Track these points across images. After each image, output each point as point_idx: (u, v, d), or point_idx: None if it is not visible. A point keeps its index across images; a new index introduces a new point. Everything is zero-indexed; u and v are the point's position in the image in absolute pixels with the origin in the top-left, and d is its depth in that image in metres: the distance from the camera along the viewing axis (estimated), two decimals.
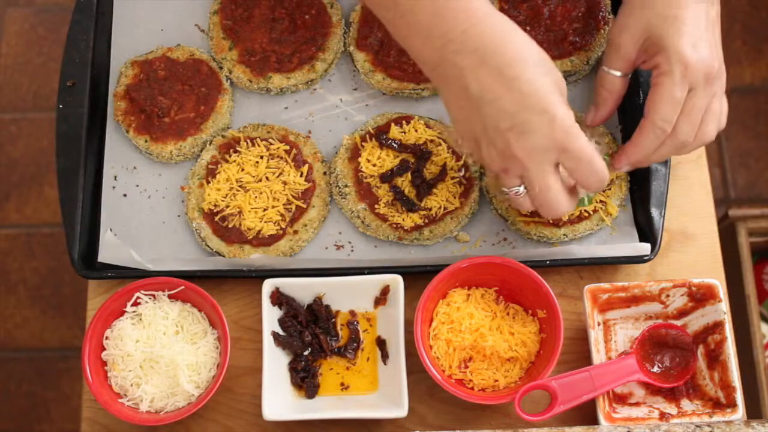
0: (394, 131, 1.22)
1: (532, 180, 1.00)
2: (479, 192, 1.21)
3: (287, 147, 1.22)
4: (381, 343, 1.15)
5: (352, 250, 1.21)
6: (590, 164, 0.99)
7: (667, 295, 1.14)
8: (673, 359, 1.13)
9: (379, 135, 1.22)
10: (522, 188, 1.03)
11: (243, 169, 1.21)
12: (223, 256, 1.19)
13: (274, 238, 1.18)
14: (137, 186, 1.24)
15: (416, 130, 1.22)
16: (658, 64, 1.04)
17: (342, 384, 1.15)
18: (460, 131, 1.04)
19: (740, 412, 1.08)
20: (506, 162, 1.00)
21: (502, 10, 1.27)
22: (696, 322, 1.14)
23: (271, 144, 1.22)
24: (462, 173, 1.20)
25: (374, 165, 1.21)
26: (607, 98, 1.13)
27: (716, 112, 1.06)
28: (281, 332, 1.14)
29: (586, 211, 1.18)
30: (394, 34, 1.02)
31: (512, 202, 1.07)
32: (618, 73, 1.11)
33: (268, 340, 1.13)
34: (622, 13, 1.10)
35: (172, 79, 1.26)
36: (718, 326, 1.12)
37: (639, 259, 1.17)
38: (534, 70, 0.96)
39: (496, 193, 1.16)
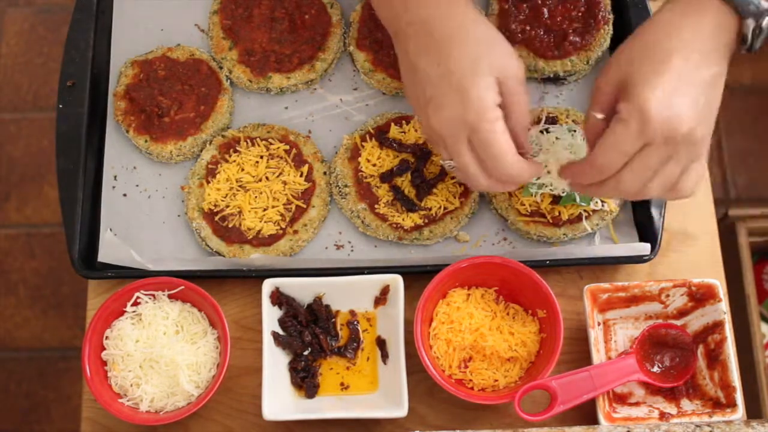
0: (394, 131, 1.22)
1: (452, 155, 1.02)
2: (479, 192, 1.21)
3: (287, 147, 1.22)
4: (381, 343, 1.15)
5: (352, 250, 1.21)
6: (496, 156, 0.98)
7: (667, 295, 1.14)
8: (673, 359, 1.13)
9: (379, 135, 1.22)
10: (451, 162, 1.04)
11: (243, 169, 1.21)
12: (223, 256, 1.19)
13: (274, 238, 1.18)
14: (137, 186, 1.24)
15: (416, 130, 1.22)
16: (619, 110, 0.96)
17: (342, 384, 1.15)
18: (407, 97, 1.07)
19: (740, 412, 1.08)
20: (429, 133, 1.03)
21: (502, 10, 1.27)
22: (696, 321, 1.14)
23: (271, 144, 1.22)
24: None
25: (374, 165, 1.21)
26: (590, 139, 1.02)
27: (669, 176, 0.98)
28: (281, 332, 1.14)
29: (585, 211, 1.18)
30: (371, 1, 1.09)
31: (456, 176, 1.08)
32: (599, 115, 1.01)
33: (268, 340, 1.13)
34: (612, 56, 1.03)
35: (172, 79, 1.26)
36: (718, 326, 1.12)
37: (639, 259, 1.17)
38: (469, 50, 0.98)
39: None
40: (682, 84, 0.94)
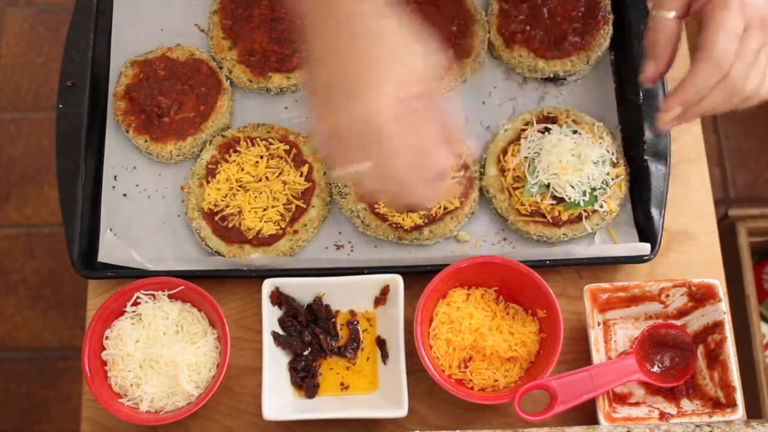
0: None
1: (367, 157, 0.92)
2: (479, 192, 1.21)
3: (287, 147, 1.22)
4: (381, 343, 1.15)
5: (352, 250, 1.21)
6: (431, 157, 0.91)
7: (667, 295, 1.14)
8: (673, 359, 1.13)
9: None
10: (364, 165, 0.93)
11: (243, 169, 1.21)
12: (223, 256, 1.18)
13: (274, 238, 1.18)
14: (137, 186, 1.24)
15: None
16: None
17: (342, 384, 1.15)
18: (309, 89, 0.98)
19: (740, 411, 1.08)
20: (336, 130, 0.93)
21: (502, 10, 1.27)
22: (696, 321, 1.14)
23: (270, 144, 1.22)
24: (462, 173, 1.20)
25: None
26: (666, 45, 1.02)
27: (763, 66, 0.97)
28: (281, 332, 1.14)
29: (585, 211, 1.18)
30: None
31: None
32: (671, 14, 1.01)
33: (268, 340, 1.13)
34: None
35: (172, 79, 1.26)
36: (717, 326, 1.12)
37: (639, 259, 1.17)
38: (381, 46, 0.91)
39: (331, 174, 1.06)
40: None
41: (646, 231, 1.19)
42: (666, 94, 1.04)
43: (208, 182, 1.21)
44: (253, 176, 1.20)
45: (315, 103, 0.94)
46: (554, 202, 1.18)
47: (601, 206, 1.18)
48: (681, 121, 1.03)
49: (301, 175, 1.21)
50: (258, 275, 1.16)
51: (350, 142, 0.91)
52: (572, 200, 1.17)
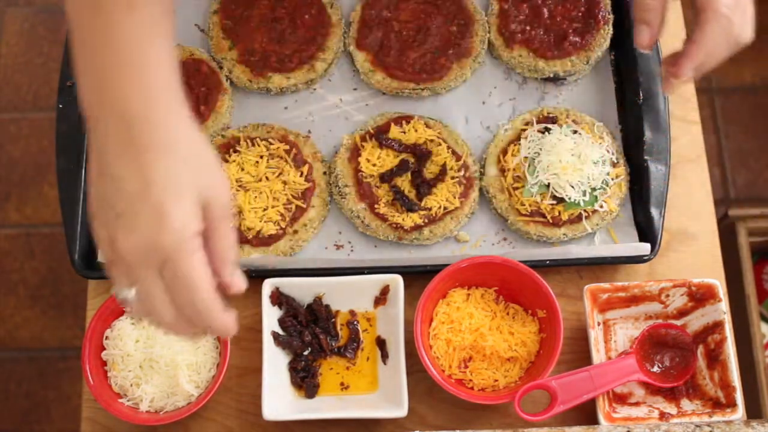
0: (394, 131, 1.22)
1: (135, 281, 0.82)
2: (479, 192, 1.21)
3: (287, 147, 1.22)
4: (381, 343, 1.15)
5: (351, 250, 1.21)
6: (189, 288, 0.81)
7: (667, 295, 1.14)
8: (673, 359, 1.13)
9: (379, 135, 1.22)
10: (132, 291, 0.83)
11: (243, 169, 1.21)
12: None
13: (273, 238, 1.18)
14: None
15: (416, 130, 1.22)
16: None
17: (342, 384, 1.15)
18: (90, 204, 0.86)
19: (740, 411, 1.08)
20: (112, 255, 0.83)
21: (502, 10, 1.27)
22: (696, 321, 1.14)
23: (271, 144, 1.22)
24: (462, 173, 1.20)
25: (374, 165, 1.21)
26: (656, 7, 1.01)
27: (750, 8, 0.99)
28: (281, 332, 1.14)
29: (585, 211, 1.18)
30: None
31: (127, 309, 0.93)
32: None
33: (268, 340, 1.13)
34: None
35: None
36: (717, 326, 1.12)
37: (639, 259, 1.17)
38: (175, 166, 0.81)
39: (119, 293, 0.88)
40: None
41: (646, 231, 1.19)
42: (663, 60, 1.04)
43: None
44: (253, 176, 1.20)
45: (96, 218, 0.85)
46: (554, 202, 1.18)
47: (601, 206, 1.18)
48: (689, 80, 1.04)
49: (301, 175, 1.21)
50: (258, 275, 1.16)
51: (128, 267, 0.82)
52: (572, 200, 1.17)
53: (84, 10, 0.83)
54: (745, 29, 0.99)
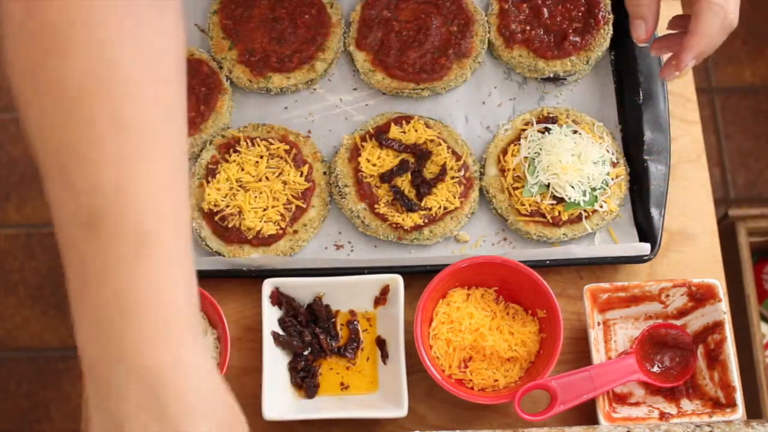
0: (394, 131, 1.22)
1: None
2: (479, 192, 1.21)
3: (287, 147, 1.22)
4: (381, 343, 1.15)
5: (351, 250, 1.21)
6: None
7: (667, 295, 1.14)
8: (673, 359, 1.13)
9: (379, 135, 1.22)
10: None
11: (243, 169, 1.21)
12: (223, 256, 1.19)
13: (273, 238, 1.18)
14: None
15: (416, 130, 1.22)
16: None
17: (342, 384, 1.15)
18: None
19: (740, 411, 1.08)
20: None
21: (502, 10, 1.27)
22: (696, 321, 1.14)
23: (271, 144, 1.22)
24: (462, 173, 1.20)
25: (374, 165, 1.21)
26: (651, 2, 1.03)
27: None
28: (281, 332, 1.14)
29: (585, 211, 1.18)
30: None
31: None
32: None
33: (268, 340, 1.13)
34: None
35: None
36: (718, 326, 1.12)
37: (639, 259, 1.17)
38: (201, 424, 0.69)
39: None
40: None
41: (646, 231, 1.19)
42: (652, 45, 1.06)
43: (208, 182, 1.21)
44: (253, 176, 1.20)
45: None
46: (554, 202, 1.18)
47: (601, 206, 1.18)
48: (694, 63, 1.05)
49: (301, 175, 1.21)
50: (258, 275, 1.16)
51: None
52: (572, 200, 1.17)
53: (76, 230, 0.67)
54: (736, 14, 1.00)
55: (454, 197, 1.19)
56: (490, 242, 1.21)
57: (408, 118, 1.23)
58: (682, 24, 1.08)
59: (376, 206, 1.19)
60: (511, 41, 1.26)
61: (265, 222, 1.19)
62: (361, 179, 1.20)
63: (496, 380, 1.12)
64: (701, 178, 1.25)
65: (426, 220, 1.18)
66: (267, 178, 1.21)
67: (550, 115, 1.23)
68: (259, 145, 1.22)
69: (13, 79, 0.68)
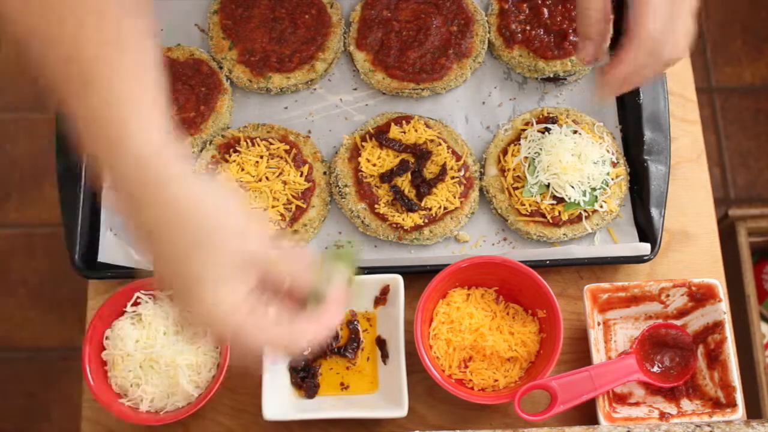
0: (394, 131, 1.22)
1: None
2: (479, 192, 1.21)
3: (287, 147, 1.22)
4: (381, 343, 1.15)
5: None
6: (274, 343, 0.82)
7: (667, 295, 1.14)
8: (673, 359, 1.13)
9: (379, 135, 1.22)
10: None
11: (243, 169, 1.21)
12: None
13: None
14: None
15: (416, 130, 1.22)
16: None
17: (342, 384, 1.15)
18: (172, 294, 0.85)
19: (740, 411, 1.08)
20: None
21: (502, 10, 1.27)
22: (696, 321, 1.14)
23: (271, 144, 1.22)
24: (462, 173, 1.20)
25: (374, 165, 1.21)
26: (597, 23, 1.03)
27: (688, 25, 0.99)
28: None
29: (585, 211, 1.18)
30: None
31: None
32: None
33: None
34: None
35: (172, 78, 1.25)
36: (718, 326, 1.12)
37: (639, 259, 1.17)
38: (198, 245, 0.78)
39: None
40: None
41: (646, 231, 1.19)
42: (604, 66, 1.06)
43: None
44: (254, 176, 1.20)
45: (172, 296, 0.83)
46: (554, 202, 1.18)
47: (601, 206, 1.18)
48: (620, 91, 1.05)
49: (301, 175, 1.21)
50: None
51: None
52: (572, 200, 1.17)
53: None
54: (677, 48, 1.00)
55: (454, 197, 1.19)
56: (490, 242, 1.21)
57: (408, 118, 1.23)
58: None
59: (376, 206, 1.19)
60: (511, 41, 1.26)
61: None
62: (361, 179, 1.20)
63: (496, 380, 1.12)
64: (701, 178, 1.25)
65: (426, 220, 1.18)
66: (267, 178, 1.21)
67: (550, 115, 1.23)
68: (259, 145, 1.22)
69: None
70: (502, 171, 1.20)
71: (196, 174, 0.81)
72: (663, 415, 1.09)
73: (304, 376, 1.13)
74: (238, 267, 0.79)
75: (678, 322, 1.14)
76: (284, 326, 0.82)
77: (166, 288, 0.83)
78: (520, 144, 1.20)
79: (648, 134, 1.21)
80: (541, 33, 1.26)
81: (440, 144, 1.21)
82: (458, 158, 1.20)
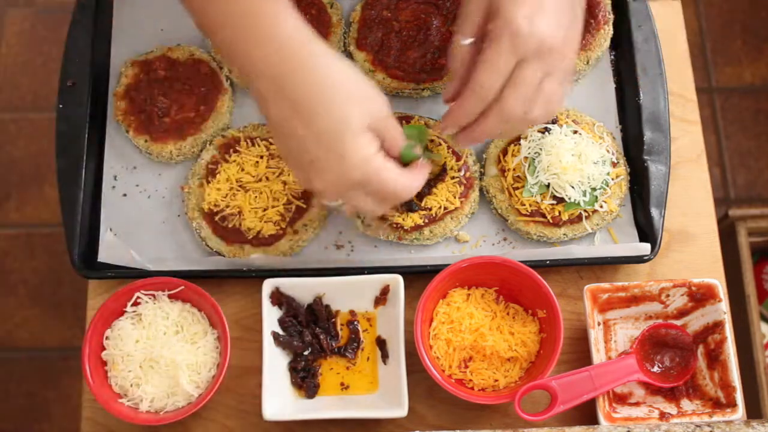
0: None
1: (344, 202, 1.03)
2: (479, 192, 1.21)
3: None
4: (381, 343, 1.15)
5: (352, 250, 1.21)
6: (390, 191, 1.00)
7: (667, 295, 1.14)
8: (673, 359, 1.13)
9: None
10: (339, 202, 1.03)
11: (243, 169, 1.21)
12: (223, 256, 1.19)
13: (274, 238, 1.18)
14: (137, 186, 1.24)
15: None
16: (490, 30, 0.98)
17: (342, 384, 1.15)
18: (282, 157, 1.07)
19: (740, 411, 1.08)
20: (313, 189, 1.01)
21: None
22: (696, 321, 1.14)
23: (271, 144, 1.22)
24: (462, 173, 1.20)
25: None
26: (461, 68, 1.05)
27: (546, 93, 1.00)
28: (281, 332, 1.14)
29: (586, 211, 1.18)
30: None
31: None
32: (467, 41, 1.03)
33: (268, 340, 1.13)
34: None
35: (172, 79, 1.25)
36: (718, 326, 1.12)
37: (639, 259, 1.17)
38: (335, 108, 0.95)
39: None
40: (546, 2, 0.97)
41: (646, 231, 1.19)
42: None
43: (208, 182, 1.21)
44: (254, 176, 1.20)
45: (288, 163, 1.03)
46: (554, 202, 1.18)
47: (601, 206, 1.18)
48: (472, 141, 1.06)
49: None
50: (258, 275, 1.16)
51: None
52: (572, 200, 1.17)
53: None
54: (531, 109, 1.01)
55: (454, 197, 1.19)
56: (490, 242, 1.21)
57: (408, 118, 1.23)
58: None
59: None
60: None
61: (265, 222, 1.19)
62: None
63: (496, 380, 1.12)
64: (701, 178, 1.25)
65: (426, 220, 1.18)
66: (267, 178, 1.21)
67: None
68: (259, 145, 1.22)
69: None
70: (502, 171, 1.20)
71: (330, 51, 0.96)
72: (663, 415, 1.09)
73: (304, 376, 1.14)
74: (368, 127, 0.96)
75: (678, 322, 1.14)
76: (405, 174, 1.01)
77: (290, 157, 1.00)
78: (520, 144, 1.20)
79: (648, 134, 1.21)
80: None
81: (440, 144, 1.21)
82: (458, 158, 1.20)
